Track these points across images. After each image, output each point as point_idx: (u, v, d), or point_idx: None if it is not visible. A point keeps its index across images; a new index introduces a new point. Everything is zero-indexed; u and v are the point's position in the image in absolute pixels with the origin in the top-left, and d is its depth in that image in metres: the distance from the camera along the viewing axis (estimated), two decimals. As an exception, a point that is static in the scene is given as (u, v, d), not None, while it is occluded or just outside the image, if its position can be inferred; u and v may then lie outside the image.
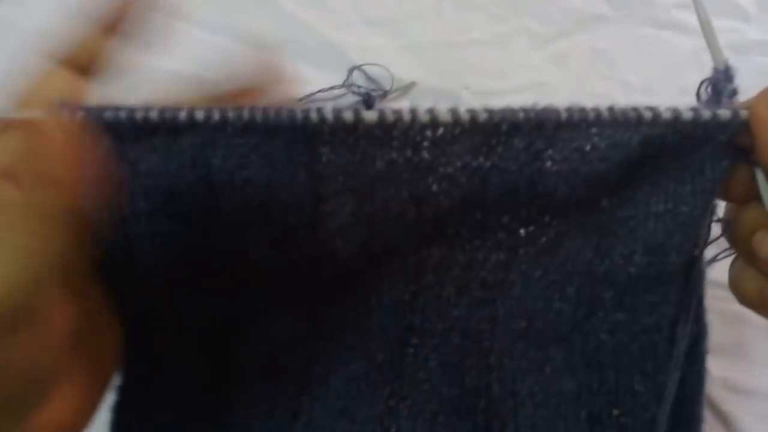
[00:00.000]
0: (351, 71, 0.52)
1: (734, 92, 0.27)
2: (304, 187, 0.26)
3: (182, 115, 0.25)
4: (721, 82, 0.27)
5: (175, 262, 0.27)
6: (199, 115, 0.25)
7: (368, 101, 0.50)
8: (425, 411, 0.30)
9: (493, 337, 0.30)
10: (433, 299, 0.29)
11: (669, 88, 0.53)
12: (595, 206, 0.27)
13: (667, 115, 0.24)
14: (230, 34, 0.53)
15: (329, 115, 0.25)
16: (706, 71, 0.55)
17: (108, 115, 0.25)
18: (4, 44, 0.52)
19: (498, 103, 0.52)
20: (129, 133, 0.25)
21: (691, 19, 0.56)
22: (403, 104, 0.52)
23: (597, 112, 0.25)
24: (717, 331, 0.43)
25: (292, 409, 0.30)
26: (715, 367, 0.42)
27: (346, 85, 0.52)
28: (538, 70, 0.54)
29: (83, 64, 0.25)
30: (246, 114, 0.25)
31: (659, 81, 0.53)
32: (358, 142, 0.25)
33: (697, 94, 0.29)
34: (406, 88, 0.52)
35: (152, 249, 0.26)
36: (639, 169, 0.26)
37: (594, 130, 0.25)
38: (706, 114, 0.24)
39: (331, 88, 0.51)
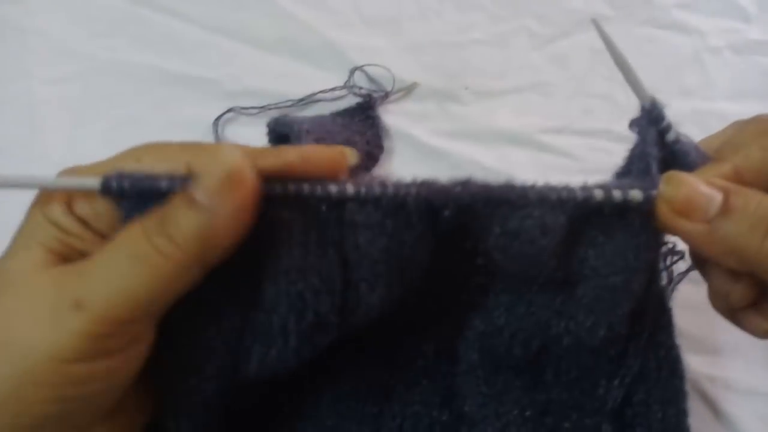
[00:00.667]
0: (352, 72, 0.52)
1: (665, 131, 0.26)
2: (335, 268, 0.26)
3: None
4: (644, 128, 0.27)
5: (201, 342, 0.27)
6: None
7: (369, 102, 0.50)
8: (416, 431, 0.32)
9: (460, 368, 0.32)
10: (420, 327, 0.31)
11: (669, 88, 0.53)
12: (548, 276, 0.28)
13: (579, 196, 0.25)
14: (230, 34, 0.53)
15: (353, 189, 0.25)
16: (706, 71, 0.55)
17: (161, 184, 0.24)
18: (4, 44, 0.52)
19: (498, 103, 0.52)
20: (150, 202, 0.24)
21: (691, 19, 0.57)
22: (405, 105, 0.52)
23: (523, 192, 0.26)
24: (716, 332, 0.43)
25: None
26: (715, 367, 0.42)
27: (348, 86, 0.52)
28: (538, 70, 0.54)
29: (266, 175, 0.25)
30: (279, 187, 0.25)
31: (659, 81, 0.53)
32: (385, 222, 0.26)
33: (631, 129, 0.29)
34: (408, 89, 0.52)
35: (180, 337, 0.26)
36: (578, 242, 0.27)
37: (522, 211, 0.26)
38: (617, 195, 0.25)
39: (332, 89, 0.51)
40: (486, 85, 0.53)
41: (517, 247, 0.26)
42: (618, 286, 0.27)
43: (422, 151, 0.50)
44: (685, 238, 0.25)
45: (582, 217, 0.26)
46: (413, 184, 0.26)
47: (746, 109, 0.31)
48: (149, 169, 0.24)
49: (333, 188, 0.25)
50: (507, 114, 0.52)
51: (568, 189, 0.25)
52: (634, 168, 0.27)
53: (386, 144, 0.50)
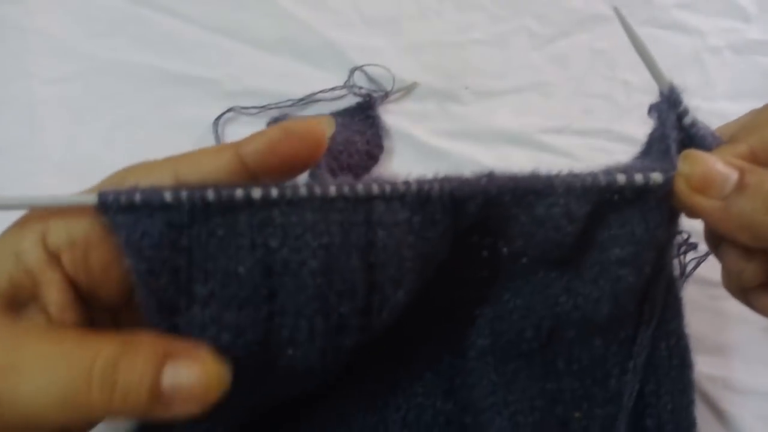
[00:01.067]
0: (352, 72, 0.52)
1: (683, 115, 0.27)
2: (358, 273, 0.25)
3: (239, 193, 0.23)
4: (664, 112, 0.28)
5: (222, 348, 0.25)
6: (257, 193, 0.24)
7: (369, 102, 0.50)
8: (419, 423, 0.31)
9: (467, 355, 0.32)
10: (429, 316, 0.30)
11: (669, 88, 0.53)
12: (558, 256, 0.28)
13: (603, 182, 0.26)
14: (230, 34, 0.53)
15: (387, 188, 0.25)
16: (707, 71, 0.55)
17: (165, 197, 0.23)
18: (4, 44, 0.52)
19: (498, 103, 0.52)
20: (183, 217, 0.23)
21: (691, 19, 0.57)
22: (405, 105, 0.52)
23: (550, 181, 0.26)
24: (716, 331, 0.43)
25: None
26: (715, 367, 0.42)
27: (347, 86, 0.52)
28: (538, 70, 0.54)
29: (253, 164, 0.25)
30: (304, 190, 0.24)
31: (659, 81, 0.53)
32: (412, 220, 0.25)
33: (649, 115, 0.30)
34: (408, 89, 0.52)
35: (202, 334, 0.24)
36: (594, 224, 0.27)
37: (548, 200, 0.26)
38: (639, 178, 0.26)
39: (332, 89, 0.51)
40: (486, 85, 0.53)
41: (542, 234, 0.27)
42: (624, 258, 0.27)
43: (422, 151, 0.50)
44: (701, 214, 0.26)
45: (603, 200, 0.27)
46: (436, 179, 0.26)
47: (746, 109, 0.31)
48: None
49: (360, 188, 0.25)
50: (507, 114, 0.52)
51: (592, 175, 0.26)
52: (654, 149, 0.28)
53: (386, 144, 0.50)
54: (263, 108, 0.50)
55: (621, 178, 0.26)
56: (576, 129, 0.51)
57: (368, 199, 0.25)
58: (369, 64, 0.52)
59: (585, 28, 0.55)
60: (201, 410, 0.22)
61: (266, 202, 0.24)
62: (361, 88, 0.51)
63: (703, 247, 0.35)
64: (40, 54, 0.52)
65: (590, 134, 0.51)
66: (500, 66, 0.54)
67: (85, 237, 0.24)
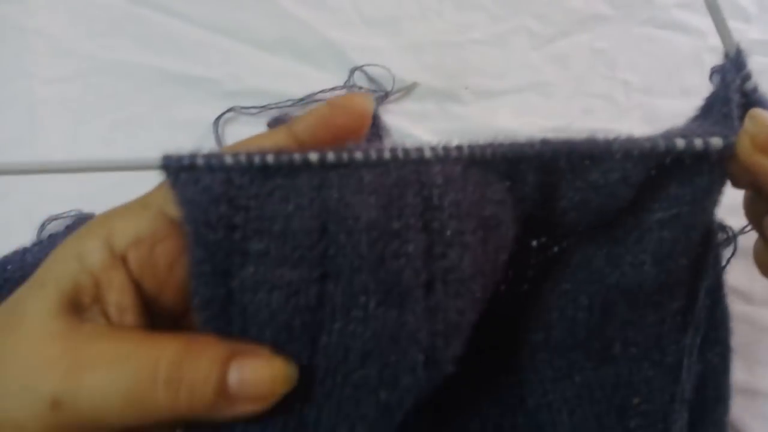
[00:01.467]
0: (352, 72, 0.52)
1: (746, 78, 0.27)
2: (414, 233, 0.24)
3: (297, 157, 0.24)
4: (730, 72, 0.27)
5: (274, 314, 0.24)
6: (314, 156, 0.24)
7: (369, 102, 0.50)
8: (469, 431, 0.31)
9: (517, 353, 0.31)
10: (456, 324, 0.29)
11: (669, 88, 0.53)
12: (604, 223, 0.28)
13: (662, 147, 0.25)
14: (230, 34, 0.53)
15: (440, 150, 0.25)
16: (706, 71, 0.55)
17: (226, 159, 0.24)
18: (4, 44, 0.52)
19: (498, 103, 0.52)
20: (243, 178, 0.24)
21: (691, 19, 0.56)
22: (405, 105, 0.52)
23: (608, 145, 0.25)
24: (717, 331, 0.43)
25: None
26: (715, 366, 0.42)
27: (348, 86, 0.52)
28: (538, 70, 0.54)
29: (307, 141, 0.26)
30: (359, 153, 0.24)
31: (659, 81, 0.53)
32: (467, 175, 0.25)
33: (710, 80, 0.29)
34: (408, 89, 0.52)
35: (254, 297, 0.24)
36: (643, 188, 0.27)
37: (605, 165, 0.26)
38: (699, 143, 0.25)
39: (332, 89, 0.51)
40: (486, 85, 0.53)
41: (597, 201, 0.26)
42: (665, 220, 0.27)
43: (422, 151, 0.50)
44: (762, 174, 0.25)
45: (659, 165, 0.26)
46: (488, 144, 0.25)
47: (746, 109, 0.31)
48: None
49: (413, 150, 0.25)
50: (507, 114, 0.52)
51: (651, 140, 0.25)
52: (714, 112, 0.27)
53: (386, 143, 0.50)
54: (263, 108, 0.50)
55: (680, 143, 0.25)
56: (576, 129, 0.51)
57: (422, 161, 0.25)
58: (369, 64, 0.52)
59: (585, 28, 0.55)
60: (265, 408, 0.22)
61: (323, 164, 0.24)
62: (361, 88, 0.51)
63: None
64: (40, 54, 0.52)
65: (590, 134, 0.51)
66: (500, 66, 0.54)
67: (151, 232, 0.24)
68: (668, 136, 0.26)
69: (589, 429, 0.30)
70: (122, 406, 0.21)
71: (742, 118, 0.26)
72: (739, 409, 0.41)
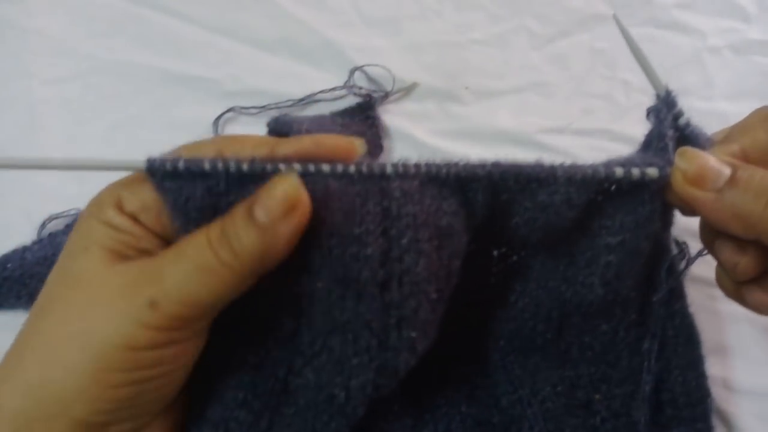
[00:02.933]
0: (352, 72, 0.52)
1: (677, 116, 0.30)
2: (373, 238, 0.27)
3: (269, 166, 0.27)
4: (662, 111, 0.30)
5: (248, 305, 0.28)
6: (284, 168, 0.27)
7: (369, 102, 0.50)
8: (451, 430, 0.34)
9: (487, 357, 0.34)
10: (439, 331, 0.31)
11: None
12: (556, 241, 0.30)
13: (602, 173, 0.28)
14: (230, 34, 0.53)
15: (400, 168, 0.27)
16: (706, 71, 0.55)
17: (205, 164, 0.26)
18: (4, 44, 0.52)
19: (498, 103, 0.52)
20: (221, 185, 0.26)
21: (691, 19, 0.57)
22: (405, 105, 0.52)
23: (552, 170, 0.28)
24: (716, 331, 0.43)
25: None
26: (715, 367, 0.42)
27: (347, 86, 0.52)
28: (538, 70, 0.54)
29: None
30: (326, 167, 0.27)
31: (659, 81, 0.53)
32: (424, 190, 0.27)
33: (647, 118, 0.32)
34: (408, 89, 0.52)
35: None
36: (589, 213, 0.29)
37: (550, 188, 0.28)
38: (636, 172, 0.28)
39: (332, 89, 0.51)
40: (486, 85, 0.53)
41: (543, 219, 0.29)
42: (612, 245, 0.29)
43: (422, 151, 0.50)
44: (696, 205, 0.28)
45: (600, 190, 0.29)
46: (443, 163, 0.28)
47: (746, 109, 0.31)
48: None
49: (375, 166, 0.27)
50: (507, 114, 0.52)
51: (592, 167, 0.28)
52: (652, 147, 0.30)
53: (386, 144, 0.50)
54: (263, 108, 0.50)
55: (619, 171, 0.28)
56: (576, 129, 0.51)
57: (383, 176, 0.27)
58: (369, 64, 0.52)
59: (585, 28, 0.55)
60: (301, 222, 0.26)
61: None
62: (361, 88, 0.51)
63: (696, 247, 0.35)
64: (40, 54, 0.52)
65: (590, 134, 0.51)
66: (500, 66, 0.54)
67: (154, 200, 0.27)
68: (609, 164, 0.29)
69: (558, 417, 0.32)
70: (201, 283, 0.25)
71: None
72: (739, 409, 0.41)
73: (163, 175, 0.26)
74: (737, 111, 0.31)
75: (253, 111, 0.50)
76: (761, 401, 0.41)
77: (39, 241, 0.43)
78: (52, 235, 0.43)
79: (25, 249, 0.42)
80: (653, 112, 0.31)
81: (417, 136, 0.50)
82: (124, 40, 0.53)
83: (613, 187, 0.28)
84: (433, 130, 0.51)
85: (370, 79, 0.52)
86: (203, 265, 0.25)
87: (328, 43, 0.53)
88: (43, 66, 0.51)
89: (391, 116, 0.51)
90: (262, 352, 0.30)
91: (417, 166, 0.27)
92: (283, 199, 0.25)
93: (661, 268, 0.31)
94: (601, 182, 0.28)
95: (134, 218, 0.27)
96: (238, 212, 0.26)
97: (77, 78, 0.51)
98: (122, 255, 0.27)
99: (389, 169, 0.27)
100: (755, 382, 0.42)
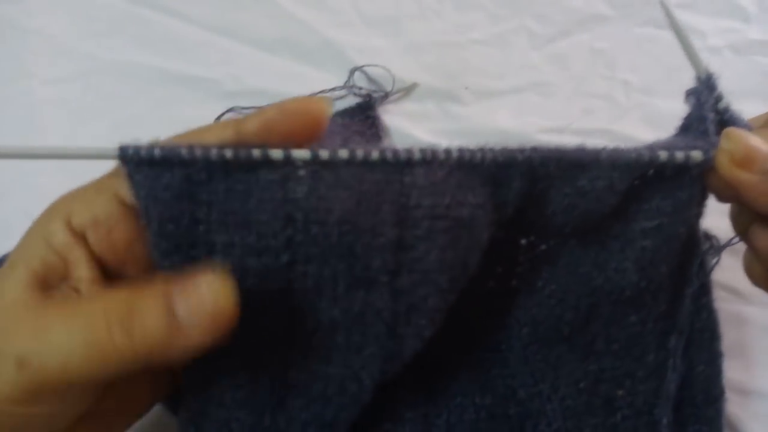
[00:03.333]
0: (352, 72, 0.52)
1: (718, 99, 0.29)
2: (388, 227, 0.26)
3: (256, 153, 0.24)
4: (703, 94, 0.29)
5: (247, 295, 0.25)
6: (277, 154, 0.25)
7: (369, 103, 0.50)
8: (463, 421, 0.32)
9: (508, 346, 0.33)
10: (452, 317, 0.30)
11: (669, 88, 0.53)
12: (589, 227, 0.29)
13: (645, 158, 0.27)
14: (230, 34, 0.53)
15: (418, 154, 0.25)
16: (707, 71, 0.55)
17: (184, 154, 0.24)
18: (4, 44, 0.52)
19: (498, 103, 0.52)
20: (202, 173, 0.24)
21: (691, 19, 0.56)
22: (405, 105, 0.52)
23: (596, 155, 0.27)
24: (717, 331, 0.43)
25: None
26: (715, 367, 0.42)
27: (347, 86, 0.52)
28: (538, 70, 0.54)
29: (253, 143, 0.26)
30: (344, 153, 0.25)
31: (659, 81, 0.53)
32: (448, 180, 0.26)
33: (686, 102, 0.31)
34: (408, 89, 0.52)
35: None
36: (627, 197, 0.28)
37: (593, 173, 0.27)
38: (680, 156, 0.27)
39: (332, 89, 0.51)
40: (486, 85, 0.53)
41: (583, 206, 0.28)
42: (648, 230, 0.28)
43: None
44: (742, 188, 0.27)
45: (643, 176, 0.28)
46: (478, 148, 0.26)
47: (746, 109, 0.31)
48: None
49: (401, 153, 0.25)
50: (507, 114, 0.52)
51: (636, 151, 0.27)
52: (692, 130, 0.30)
53: (386, 144, 0.50)
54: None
55: (663, 155, 0.27)
56: (576, 129, 0.51)
57: (408, 164, 0.25)
58: (369, 65, 0.52)
59: (585, 28, 0.55)
60: (221, 332, 0.23)
61: (288, 161, 0.25)
62: (361, 88, 0.51)
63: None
64: (40, 54, 0.52)
65: (590, 134, 0.51)
66: (500, 66, 0.54)
67: (107, 215, 0.25)
68: (653, 148, 0.28)
69: (579, 416, 0.31)
70: (84, 358, 0.22)
71: (718, 135, 0.28)
72: (737, 408, 0.41)
73: (138, 162, 0.24)
74: (737, 111, 0.31)
75: (253, 111, 0.50)
76: (761, 401, 0.41)
77: (39, 241, 0.43)
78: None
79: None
80: (693, 95, 0.30)
81: (417, 136, 0.50)
82: (124, 40, 0.53)
83: (652, 171, 0.28)
84: (433, 130, 0.51)
85: (370, 79, 0.52)
86: (92, 338, 0.22)
87: (328, 43, 0.53)
88: (43, 66, 0.51)
89: (391, 116, 0.51)
90: (261, 346, 0.28)
91: (447, 151, 0.26)
92: (212, 306, 0.22)
93: (693, 258, 0.30)
94: (646, 166, 0.27)
95: (80, 235, 0.25)
96: (154, 293, 0.23)
97: (77, 78, 0.51)
98: (46, 284, 0.24)
99: (416, 156, 0.25)
100: (755, 382, 0.42)
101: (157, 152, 0.24)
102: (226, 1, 0.54)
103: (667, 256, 0.29)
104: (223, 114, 0.50)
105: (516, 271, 0.31)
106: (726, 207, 0.32)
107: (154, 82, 0.51)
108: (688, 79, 0.54)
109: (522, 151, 0.26)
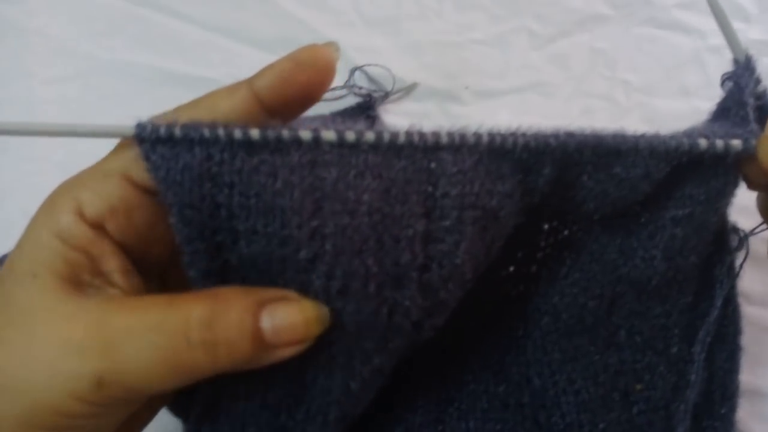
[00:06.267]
0: (352, 72, 0.52)
1: (758, 82, 0.28)
2: (415, 219, 0.24)
3: (286, 134, 0.23)
4: (743, 77, 0.28)
5: (274, 283, 0.24)
6: (306, 134, 0.23)
7: (369, 102, 0.50)
8: (476, 409, 0.31)
9: (526, 333, 0.31)
10: (467, 301, 0.29)
11: (669, 88, 0.53)
12: (616, 214, 0.28)
13: (685, 146, 0.26)
14: (230, 34, 0.53)
15: (446, 138, 0.24)
16: (707, 71, 0.55)
17: (205, 132, 0.22)
18: (4, 44, 0.52)
19: (498, 103, 0.52)
20: (224, 153, 0.23)
21: (691, 19, 0.56)
22: (405, 105, 0.52)
23: (634, 141, 0.25)
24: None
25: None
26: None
27: (348, 86, 0.52)
28: (538, 70, 0.54)
29: (268, 99, 0.24)
30: (370, 135, 0.23)
31: (659, 81, 0.53)
32: (477, 168, 0.24)
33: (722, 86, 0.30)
34: (408, 89, 0.52)
35: (251, 270, 0.24)
36: (660, 185, 0.27)
37: (629, 160, 0.26)
38: (720, 144, 0.26)
39: (333, 89, 0.51)
40: (486, 85, 0.53)
41: (617, 194, 0.26)
42: (679, 218, 0.27)
43: (422, 151, 0.50)
44: None
45: (677, 163, 0.26)
46: (510, 132, 0.25)
47: (746, 109, 0.31)
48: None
49: (429, 136, 0.24)
50: (507, 114, 0.52)
51: (676, 139, 0.26)
52: (731, 115, 0.28)
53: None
54: (263, 108, 0.50)
55: (703, 143, 0.26)
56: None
57: (436, 148, 0.24)
58: (369, 64, 0.52)
59: (585, 28, 0.55)
60: (304, 348, 0.23)
61: (318, 143, 0.23)
62: (361, 88, 0.51)
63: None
64: (40, 54, 0.52)
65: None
66: (500, 66, 0.54)
67: (123, 200, 0.23)
68: (691, 134, 0.26)
69: (593, 410, 0.30)
70: (164, 373, 0.21)
71: (757, 121, 0.27)
72: (739, 409, 0.41)
73: (156, 141, 0.22)
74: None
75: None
76: (761, 401, 0.41)
77: (39, 241, 0.43)
78: (52, 236, 0.43)
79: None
80: (732, 78, 0.29)
81: (417, 136, 0.50)
82: (124, 40, 0.53)
83: (686, 158, 0.26)
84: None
85: (371, 78, 0.52)
86: (172, 357, 0.21)
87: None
88: (43, 66, 0.51)
89: (391, 116, 0.51)
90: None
91: (477, 135, 0.24)
92: (304, 332, 0.22)
93: (724, 250, 0.30)
94: (685, 155, 0.26)
95: (98, 226, 0.23)
96: (240, 308, 0.22)
97: (77, 78, 0.51)
98: (77, 281, 0.23)
99: (444, 140, 0.24)
100: (755, 382, 0.42)
101: (177, 131, 0.22)
102: (226, 1, 0.54)
103: (697, 245, 0.28)
104: (223, 114, 0.50)
105: (537, 257, 0.30)
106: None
107: (154, 82, 0.51)
108: (689, 79, 0.54)
109: (556, 136, 0.25)
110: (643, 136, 0.26)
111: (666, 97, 0.52)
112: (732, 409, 0.32)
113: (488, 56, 0.54)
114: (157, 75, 0.52)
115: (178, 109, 0.25)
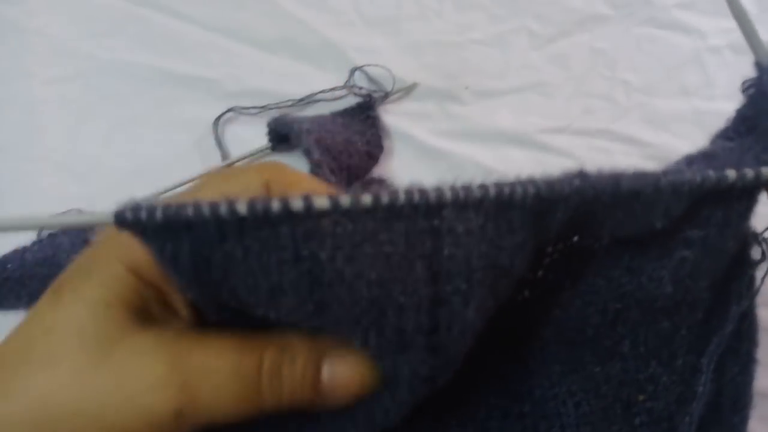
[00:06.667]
0: (352, 72, 0.52)
1: None
2: (422, 285, 0.23)
3: (276, 205, 0.20)
4: (765, 83, 0.27)
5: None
6: (297, 204, 0.21)
7: (369, 102, 0.50)
8: (475, 418, 0.31)
9: (527, 344, 0.31)
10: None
11: (669, 88, 0.53)
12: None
13: (712, 181, 0.24)
14: (230, 34, 0.53)
15: (449, 194, 0.22)
16: (707, 71, 0.55)
17: (189, 212, 0.20)
18: (4, 44, 0.52)
19: (498, 103, 0.52)
20: (212, 235, 0.21)
21: (691, 19, 0.56)
22: (405, 105, 0.52)
23: (656, 182, 0.23)
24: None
25: None
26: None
27: (348, 86, 0.52)
28: (538, 70, 0.54)
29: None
30: (367, 199, 0.21)
31: (659, 81, 0.53)
32: (486, 226, 0.22)
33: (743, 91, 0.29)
34: (408, 89, 0.52)
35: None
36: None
37: (649, 200, 0.24)
38: (750, 175, 0.24)
39: (332, 89, 0.51)
40: (486, 85, 0.53)
41: (633, 228, 0.25)
42: (691, 240, 0.26)
43: (422, 151, 0.50)
44: None
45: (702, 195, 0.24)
46: (518, 182, 0.23)
47: (746, 109, 0.31)
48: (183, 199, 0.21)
49: (431, 194, 0.22)
50: (507, 114, 0.52)
51: (702, 175, 0.24)
52: (760, 126, 0.26)
53: (386, 144, 0.50)
54: (263, 108, 0.50)
55: (731, 175, 0.24)
56: (576, 129, 0.51)
57: (439, 206, 0.22)
58: (369, 64, 0.52)
59: (585, 28, 0.55)
60: (353, 402, 0.24)
61: (310, 213, 0.21)
62: (361, 88, 0.51)
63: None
64: (40, 54, 0.52)
65: (590, 134, 0.51)
66: (500, 66, 0.54)
67: (131, 290, 0.24)
68: (713, 154, 0.25)
69: (594, 421, 0.30)
70: (234, 407, 0.24)
71: None
72: (739, 409, 0.41)
73: (144, 227, 0.21)
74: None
75: (253, 111, 0.50)
76: (761, 401, 0.41)
77: (39, 242, 0.43)
78: (52, 236, 0.43)
79: (24, 249, 0.42)
80: (755, 86, 0.27)
81: (417, 136, 0.50)
82: (124, 40, 0.53)
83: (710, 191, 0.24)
84: (433, 130, 0.51)
85: (370, 79, 0.52)
86: (244, 393, 0.23)
87: (328, 43, 0.53)
88: (43, 66, 0.51)
89: (391, 116, 0.51)
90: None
91: (483, 188, 0.22)
92: (358, 387, 0.24)
93: (743, 272, 0.28)
94: (712, 189, 0.24)
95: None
96: (306, 353, 0.24)
97: (77, 78, 0.51)
98: (147, 314, 0.24)
99: (447, 196, 0.22)
100: (755, 382, 0.42)
101: (158, 215, 0.20)
102: (226, 1, 0.54)
103: (708, 270, 0.26)
104: (223, 114, 0.50)
105: (544, 262, 0.29)
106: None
107: (154, 82, 0.51)
108: (689, 79, 0.54)
109: (569, 182, 0.23)
110: (665, 174, 0.23)
111: (666, 97, 0.52)
112: (743, 420, 0.31)
113: (488, 56, 0.54)
114: (157, 75, 0.52)
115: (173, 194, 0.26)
